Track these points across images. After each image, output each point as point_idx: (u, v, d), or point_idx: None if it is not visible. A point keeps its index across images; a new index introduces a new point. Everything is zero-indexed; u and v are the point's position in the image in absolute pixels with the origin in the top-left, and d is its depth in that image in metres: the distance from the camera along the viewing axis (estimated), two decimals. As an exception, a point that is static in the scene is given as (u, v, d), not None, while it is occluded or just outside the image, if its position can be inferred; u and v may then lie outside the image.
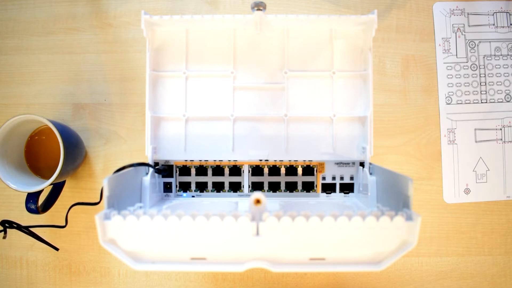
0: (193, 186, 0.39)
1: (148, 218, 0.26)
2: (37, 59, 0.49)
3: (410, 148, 0.48)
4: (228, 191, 0.39)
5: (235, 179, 0.39)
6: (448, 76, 0.49)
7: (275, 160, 0.39)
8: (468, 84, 0.49)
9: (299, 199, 0.39)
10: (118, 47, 0.49)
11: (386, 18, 0.49)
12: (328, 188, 0.39)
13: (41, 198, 0.44)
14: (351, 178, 0.39)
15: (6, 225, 0.41)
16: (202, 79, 0.39)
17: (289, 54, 0.39)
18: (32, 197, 0.42)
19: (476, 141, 0.48)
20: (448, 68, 0.49)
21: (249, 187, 0.39)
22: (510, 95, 0.48)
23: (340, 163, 0.39)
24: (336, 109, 0.39)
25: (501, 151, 0.48)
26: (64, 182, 0.48)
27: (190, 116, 0.39)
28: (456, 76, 0.49)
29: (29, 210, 0.42)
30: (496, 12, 0.49)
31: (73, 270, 0.48)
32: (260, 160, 0.39)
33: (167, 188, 0.39)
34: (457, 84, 0.49)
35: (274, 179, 0.39)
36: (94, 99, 0.49)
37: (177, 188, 0.39)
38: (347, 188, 0.39)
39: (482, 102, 0.49)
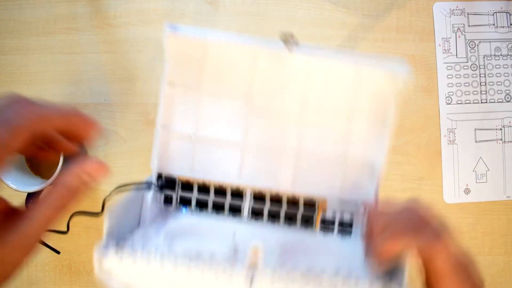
0: (193, 203, 0.39)
1: (144, 262, 0.27)
2: (37, 59, 0.49)
3: (410, 148, 0.48)
4: (228, 213, 0.38)
5: (236, 202, 0.38)
6: (448, 76, 0.49)
7: (280, 190, 0.38)
8: (468, 84, 0.49)
9: (297, 235, 0.38)
10: (118, 47, 0.49)
11: (386, 18, 0.49)
12: (327, 224, 0.39)
13: (41, 198, 0.44)
14: (352, 215, 0.39)
15: None
16: (215, 99, 0.37)
17: (311, 88, 0.36)
18: (32, 197, 0.42)
19: (476, 141, 0.48)
20: (448, 68, 0.49)
21: (248, 212, 0.39)
22: (510, 95, 0.48)
23: (343, 201, 0.38)
24: (349, 149, 0.37)
25: (501, 151, 0.48)
26: (64, 182, 0.48)
27: (200, 135, 0.37)
28: (456, 76, 0.49)
29: (29, 210, 0.42)
30: (496, 12, 0.49)
31: (73, 270, 0.48)
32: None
33: (167, 199, 0.39)
34: (457, 84, 0.49)
35: (275, 208, 0.38)
36: (94, 99, 0.49)
37: (177, 203, 0.39)
38: (345, 226, 0.39)
39: (482, 102, 0.49)
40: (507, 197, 0.48)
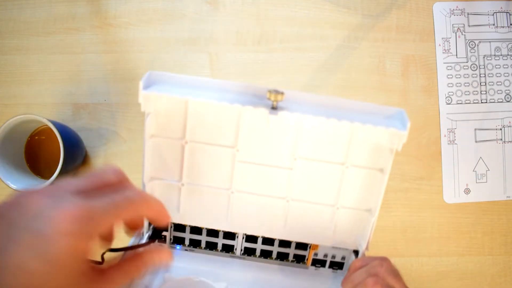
0: (187, 242, 0.38)
1: None
2: (37, 59, 0.49)
3: (410, 148, 0.48)
4: (221, 251, 0.39)
5: (228, 242, 0.38)
6: (448, 76, 0.49)
7: (271, 236, 0.38)
8: (468, 84, 0.49)
9: (289, 272, 0.39)
10: (118, 47, 0.49)
11: (386, 18, 0.49)
12: (318, 262, 0.39)
13: (41, 198, 0.44)
14: (343, 258, 0.38)
15: None
16: (202, 147, 0.35)
17: (301, 140, 0.34)
18: (32, 197, 0.42)
19: (476, 141, 0.48)
20: (448, 68, 0.49)
21: (241, 250, 0.38)
22: (510, 95, 0.48)
23: (335, 247, 0.38)
24: (342, 199, 0.36)
25: (501, 151, 0.48)
26: (64, 182, 0.48)
27: (187, 182, 0.36)
28: (456, 76, 0.49)
29: (29, 210, 0.42)
30: (496, 12, 0.49)
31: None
32: None
33: (161, 238, 0.39)
34: (457, 84, 0.49)
35: (267, 247, 0.38)
36: (94, 99, 0.49)
37: (171, 242, 0.39)
38: (337, 264, 0.39)
39: (482, 102, 0.49)
40: (507, 197, 0.48)
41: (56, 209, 0.20)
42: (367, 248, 0.35)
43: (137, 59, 0.49)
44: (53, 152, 0.45)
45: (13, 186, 0.41)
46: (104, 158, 0.48)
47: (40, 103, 0.49)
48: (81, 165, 0.48)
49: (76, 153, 0.45)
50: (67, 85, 0.49)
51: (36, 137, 0.46)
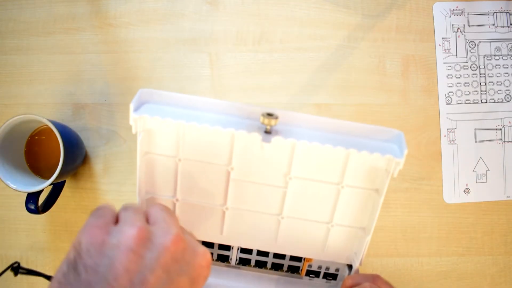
0: None
1: None
2: (37, 59, 0.49)
3: (410, 148, 0.48)
4: (216, 260, 0.39)
5: (224, 252, 0.39)
6: (448, 76, 0.49)
7: (264, 249, 0.38)
8: (468, 84, 0.49)
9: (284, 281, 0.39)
10: (118, 47, 0.49)
11: (386, 18, 0.49)
12: (312, 273, 0.39)
13: (41, 198, 0.44)
14: (337, 270, 0.39)
15: (16, 267, 0.40)
16: (196, 164, 0.35)
17: (296, 162, 0.34)
18: (32, 197, 0.42)
19: (476, 141, 0.48)
20: (448, 68, 0.49)
21: (236, 261, 0.39)
22: (510, 95, 0.48)
23: (329, 261, 0.38)
24: (337, 217, 0.35)
25: (501, 151, 0.48)
26: (64, 182, 0.48)
27: (181, 198, 0.36)
28: (456, 76, 0.49)
29: (29, 210, 0.42)
30: (496, 12, 0.49)
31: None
32: None
33: None
34: (457, 84, 0.49)
35: (262, 258, 0.39)
36: (94, 99, 0.49)
37: None
38: (331, 275, 0.39)
39: (482, 102, 0.49)
40: (507, 197, 0.48)
41: (198, 257, 0.27)
42: (360, 264, 0.35)
43: (137, 59, 0.49)
44: (53, 152, 0.45)
45: (13, 186, 0.41)
46: (104, 158, 0.48)
47: (40, 103, 0.49)
48: (81, 165, 0.48)
49: (76, 153, 0.45)
50: (67, 85, 0.49)
51: (36, 137, 0.46)
